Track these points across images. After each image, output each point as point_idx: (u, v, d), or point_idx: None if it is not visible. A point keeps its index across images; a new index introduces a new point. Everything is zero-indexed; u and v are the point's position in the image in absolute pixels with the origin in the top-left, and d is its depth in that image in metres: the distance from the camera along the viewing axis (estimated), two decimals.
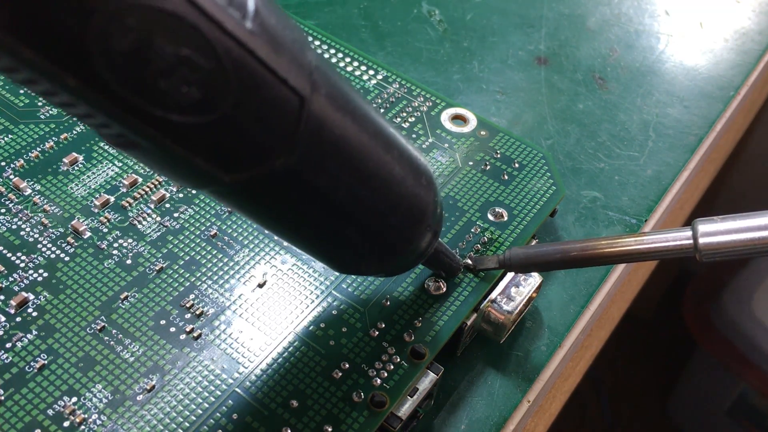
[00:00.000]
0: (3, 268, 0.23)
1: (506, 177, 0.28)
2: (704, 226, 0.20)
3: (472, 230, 0.26)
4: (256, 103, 0.14)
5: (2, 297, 0.22)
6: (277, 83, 0.14)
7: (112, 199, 0.25)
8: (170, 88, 0.13)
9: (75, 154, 0.26)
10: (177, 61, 0.13)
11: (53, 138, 0.27)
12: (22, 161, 0.26)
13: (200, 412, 0.20)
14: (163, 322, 0.22)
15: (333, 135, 0.16)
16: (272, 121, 0.15)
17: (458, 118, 0.30)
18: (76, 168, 0.26)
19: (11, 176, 0.25)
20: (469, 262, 0.24)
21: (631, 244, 0.21)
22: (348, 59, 0.32)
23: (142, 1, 0.12)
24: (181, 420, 0.20)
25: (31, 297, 0.22)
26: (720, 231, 0.20)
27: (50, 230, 0.24)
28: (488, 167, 0.28)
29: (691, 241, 0.20)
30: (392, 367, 0.22)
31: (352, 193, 0.17)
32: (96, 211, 0.25)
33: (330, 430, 0.20)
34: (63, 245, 0.24)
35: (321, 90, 0.15)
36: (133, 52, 0.12)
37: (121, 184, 0.26)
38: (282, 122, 0.15)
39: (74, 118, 0.28)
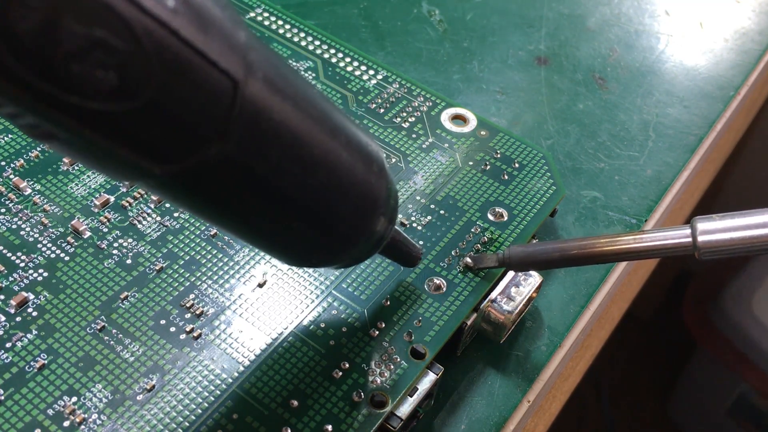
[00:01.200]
0: (3, 268, 0.23)
1: (506, 177, 0.28)
2: (703, 224, 0.20)
3: (472, 230, 0.26)
4: (184, 89, 0.13)
5: (2, 297, 0.22)
6: (205, 66, 0.13)
7: (112, 198, 0.25)
8: (84, 73, 0.12)
9: None
10: (90, 43, 0.11)
11: None
12: (22, 161, 0.26)
13: (200, 411, 0.20)
14: (163, 321, 0.22)
15: (272, 121, 0.15)
16: (203, 108, 0.13)
17: (458, 118, 0.30)
18: (76, 168, 0.26)
19: (11, 176, 0.25)
20: (469, 260, 0.24)
21: (630, 243, 0.21)
22: (348, 59, 0.32)
23: None
24: (181, 420, 0.20)
25: (31, 297, 0.22)
26: (719, 229, 0.20)
27: (50, 230, 0.24)
28: (488, 167, 0.28)
29: (690, 239, 0.20)
30: (392, 366, 0.22)
31: (296, 183, 0.16)
32: (96, 210, 0.25)
33: (330, 429, 0.20)
34: (63, 245, 0.24)
35: (257, 73, 0.14)
36: (39, 33, 0.11)
37: (121, 184, 0.26)
38: (214, 108, 0.14)
39: None
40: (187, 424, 0.20)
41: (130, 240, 0.24)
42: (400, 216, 0.26)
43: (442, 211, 0.26)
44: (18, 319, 0.22)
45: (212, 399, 0.21)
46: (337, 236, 0.19)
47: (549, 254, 0.23)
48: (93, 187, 0.26)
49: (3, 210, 0.24)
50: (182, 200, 0.16)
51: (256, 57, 0.14)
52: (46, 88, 0.12)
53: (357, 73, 0.32)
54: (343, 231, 0.19)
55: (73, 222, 0.24)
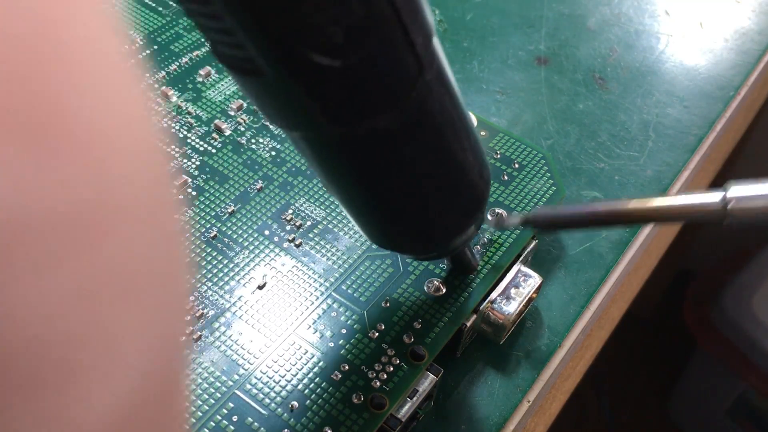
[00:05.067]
0: None
1: (506, 177, 0.28)
2: (738, 187, 0.20)
3: None
4: (383, 61, 0.14)
5: None
6: (406, 46, 0.14)
7: None
8: (321, 24, 0.13)
9: None
10: None
11: None
12: None
13: (200, 414, 0.20)
14: None
15: (433, 107, 0.16)
16: (391, 82, 0.15)
17: None
18: None
19: None
20: (489, 217, 0.24)
21: (658, 203, 0.21)
22: None
23: None
24: None
25: None
26: (755, 195, 0.19)
27: None
28: None
29: (721, 201, 0.20)
30: (392, 368, 0.22)
31: (428, 169, 0.18)
32: None
33: (329, 431, 0.20)
34: None
35: (434, 62, 0.16)
36: None
37: None
38: (398, 84, 0.15)
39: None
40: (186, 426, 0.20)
41: None
42: None
43: None
44: None
45: (212, 401, 0.21)
46: (439, 229, 0.20)
47: (575, 214, 0.22)
48: None
49: None
50: (323, 159, 0.17)
51: (434, 49, 0.16)
52: (283, 30, 0.13)
53: None
54: (446, 225, 0.20)
55: None
